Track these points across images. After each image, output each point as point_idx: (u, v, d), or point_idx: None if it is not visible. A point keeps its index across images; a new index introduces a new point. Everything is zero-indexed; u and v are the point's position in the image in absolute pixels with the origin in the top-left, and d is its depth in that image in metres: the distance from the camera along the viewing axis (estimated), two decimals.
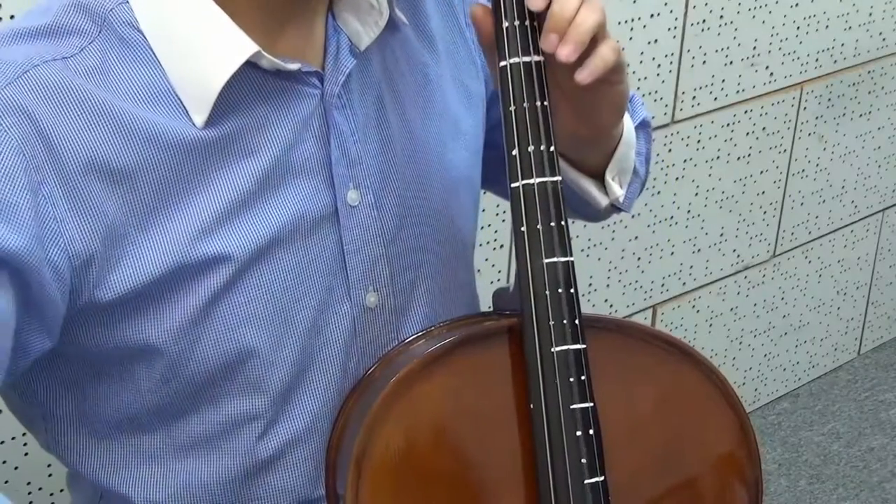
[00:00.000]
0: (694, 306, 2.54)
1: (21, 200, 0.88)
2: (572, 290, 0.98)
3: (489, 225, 2.08)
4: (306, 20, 1.01)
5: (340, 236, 1.03)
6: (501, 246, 2.12)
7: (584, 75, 0.97)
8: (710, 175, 2.43)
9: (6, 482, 1.61)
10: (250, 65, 0.96)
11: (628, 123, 1.16)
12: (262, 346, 1.01)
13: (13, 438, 1.60)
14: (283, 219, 0.99)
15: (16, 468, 1.61)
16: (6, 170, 0.88)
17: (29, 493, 1.63)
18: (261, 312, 1.00)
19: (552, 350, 0.97)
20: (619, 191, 1.15)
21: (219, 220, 0.96)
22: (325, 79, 1.01)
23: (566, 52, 0.96)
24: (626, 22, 2.14)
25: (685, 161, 2.37)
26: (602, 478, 0.99)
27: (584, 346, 0.98)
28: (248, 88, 0.97)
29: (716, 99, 2.37)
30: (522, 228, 0.98)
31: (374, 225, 1.05)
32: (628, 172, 1.17)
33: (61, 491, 1.64)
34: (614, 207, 1.20)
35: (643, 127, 1.24)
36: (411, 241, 1.08)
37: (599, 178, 1.15)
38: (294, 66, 0.98)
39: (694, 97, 2.32)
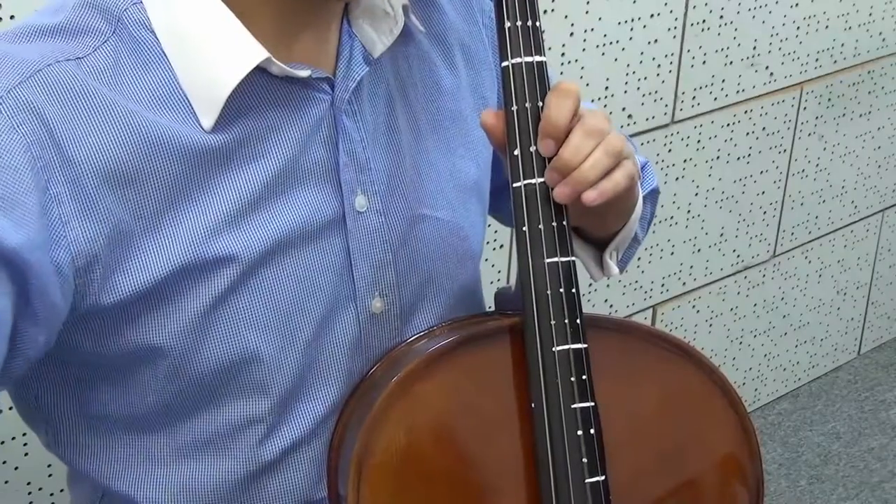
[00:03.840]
0: (694, 306, 2.54)
1: (26, 198, 0.88)
2: (573, 290, 0.98)
3: (489, 225, 2.06)
4: (320, 26, 1.01)
5: (347, 242, 1.03)
6: (501, 246, 2.12)
7: (592, 196, 0.96)
8: (710, 175, 2.43)
9: (6, 482, 1.61)
10: (260, 70, 0.96)
11: (639, 204, 1.14)
12: (266, 349, 1.00)
13: (13, 438, 1.60)
14: (290, 223, 0.99)
15: (16, 468, 1.61)
16: (13, 167, 0.87)
17: (29, 494, 1.63)
18: (265, 316, 1.00)
19: (553, 349, 0.97)
20: (615, 270, 1.15)
21: (225, 222, 0.96)
22: (336, 85, 1.01)
23: (561, 194, 0.96)
24: (626, 22, 2.14)
25: (685, 161, 2.37)
26: (603, 477, 0.99)
27: (585, 345, 0.98)
28: (257, 94, 0.97)
29: (716, 99, 2.37)
30: (524, 228, 0.98)
31: (382, 231, 1.05)
32: (627, 241, 1.17)
33: (61, 491, 1.64)
34: None
35: (652, 194, 1.24)
36: (418, 248, 1.08)
37: (596, 244, 1.15)
38: (304, 73, 0.98)
39: (694, 97, 2.32)
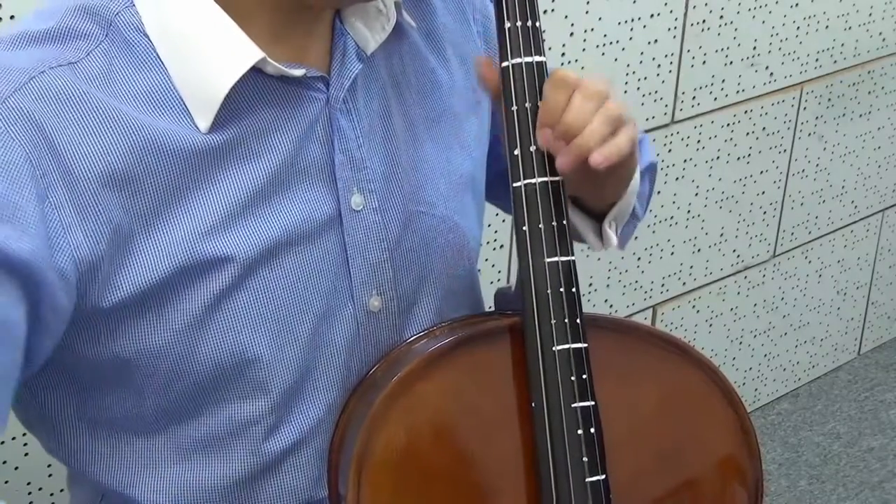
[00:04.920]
0: (694, 306, 2.54)
1: (29, 207, 0.88)
2: (574, 290, 0.98)
3: (489, 225, 2.08)
4: (313, 24, 1.01)
5: (344, 240, 1.03)
6: (501, 246, 2.12)
7: (597, 159, 0.96)
8: (710, 175, 2.43)
9: (6, 482, 1.61)
10: (255, 70, 0.96)
11: (636, 175, 1.15)
12: (265, 349, 1.00)
13: (13, 438, 1.60)
14: (286, 222, 0.99)
15: (16, 468, 1.61)
16: (14, 176, 0.87)
17: (29, 494, 1.63)
18: (263, 316, 1.00)
19: (553, 349, 0.98)
20: (614, 240, 1.15)
21: (222, 222, 0.96)
22: (331, 83, 1.01)
23: (563, 164, 0.97)
24: (626, 22, 2.14)
25: (685, 161, 2.37)
26: (603, 476, 0.99)
27: (585, 345, 0.98)
28: (252, 94, 0.97)
29: (716, 99, 2.37)
30: (524, 228, 0.98)
31: (378, 229, 1.05)
32: (626, 215, 1.17)
33: (61, 491, 1.64)
34: None
35: (649, 170, 1.24)
36: (415, 246, 1.08)
37: (596, 217, 1.15)
38: (299, 73, 0.98)
39: (694, 97, 2.32)
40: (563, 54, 2.06)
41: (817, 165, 2.66)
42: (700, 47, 2.29)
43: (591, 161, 0.96)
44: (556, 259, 0.98)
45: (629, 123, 1.00)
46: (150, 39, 0.95)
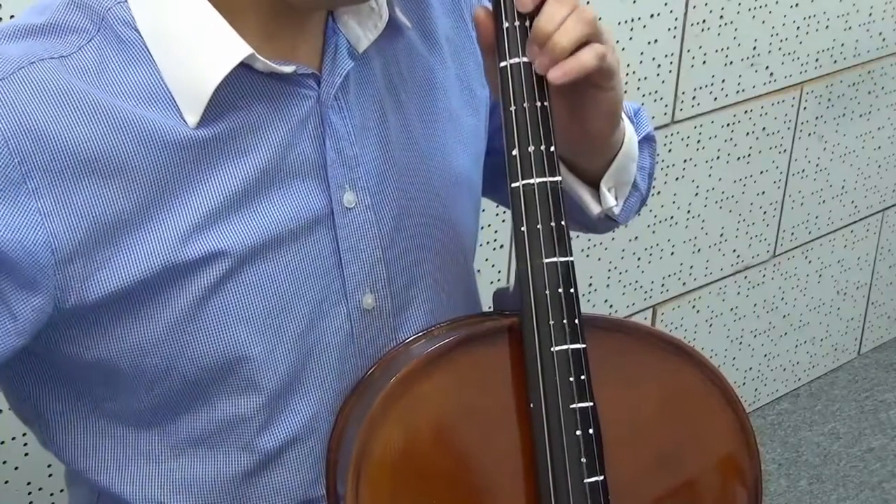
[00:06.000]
0: (694, 306, 2.54)
1: (1, 192, 0.89)
2: (572, 290, 0.98)
3: (489, 225, 2.08)
4: (305, 22, 1.01)
5: (336, 238, 1.03)
6: (501, 246, 2.12)
7: (556, 74, 0.97)
8: (710, 175, 2.43)
9: (6, 482, 1.61)
10: (245, 66, 0.96)
11: (631, 135, 1.15)
12: (256, 346, 1.00)
13: (13, 438, 1.60)
14: (277, 219, 0.99)
15: (16, 468, 1.61)
16: None
17: (29, 494, 1.63)
18: (254, 313, 1.00)
19: (552, 349, 0.97)
20: (612, 202, 1.14)
21: (212, 218, 0.96)
22: (322, 80, 1.01)
23: (542, 63, 0.97)
24: (626, 22, 2.14)
25: (685, 161, 2.37)
26: (602, 477, 0.99)
27: (583, 345, 0.98)
28: (242, 90, 0.97)
29: (716, 99, 2.37)
30: (522, 228, 0.98)
31: (371, 227, 1.05)
32: (627, 185, 1.16)
33: (61, 491, 1.64)
34: (610, 220, 1.19)
35: (648, 141, 1.23)
36: (409, 244, 1.08)
37: (596, 186, 1.15)
38: (289, 69, 0.98)
39: (694, 97, 2.32)
40: None
41: (817, 165, 2.66)
42: (700, 47, 2.29)
43: (550, 78, 0.96)
44: (554, 259, 0.98)
45: (604, 44, 0.99)
46: (141, 35, 0.95)
